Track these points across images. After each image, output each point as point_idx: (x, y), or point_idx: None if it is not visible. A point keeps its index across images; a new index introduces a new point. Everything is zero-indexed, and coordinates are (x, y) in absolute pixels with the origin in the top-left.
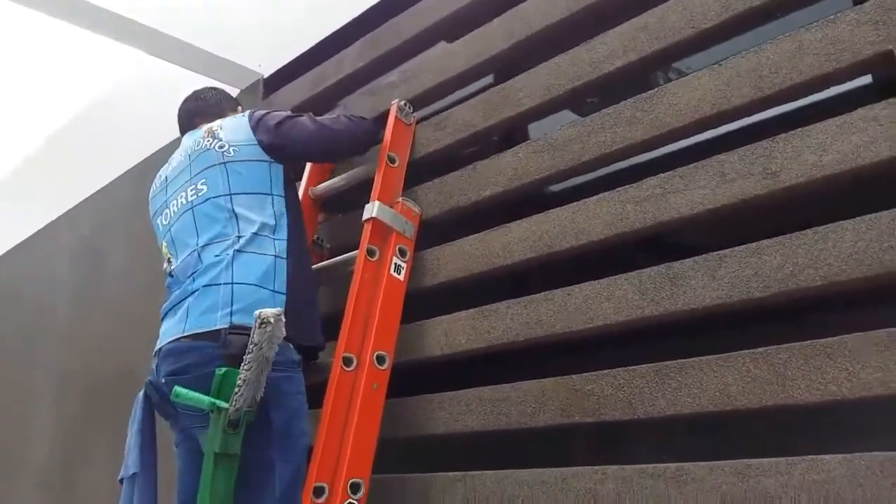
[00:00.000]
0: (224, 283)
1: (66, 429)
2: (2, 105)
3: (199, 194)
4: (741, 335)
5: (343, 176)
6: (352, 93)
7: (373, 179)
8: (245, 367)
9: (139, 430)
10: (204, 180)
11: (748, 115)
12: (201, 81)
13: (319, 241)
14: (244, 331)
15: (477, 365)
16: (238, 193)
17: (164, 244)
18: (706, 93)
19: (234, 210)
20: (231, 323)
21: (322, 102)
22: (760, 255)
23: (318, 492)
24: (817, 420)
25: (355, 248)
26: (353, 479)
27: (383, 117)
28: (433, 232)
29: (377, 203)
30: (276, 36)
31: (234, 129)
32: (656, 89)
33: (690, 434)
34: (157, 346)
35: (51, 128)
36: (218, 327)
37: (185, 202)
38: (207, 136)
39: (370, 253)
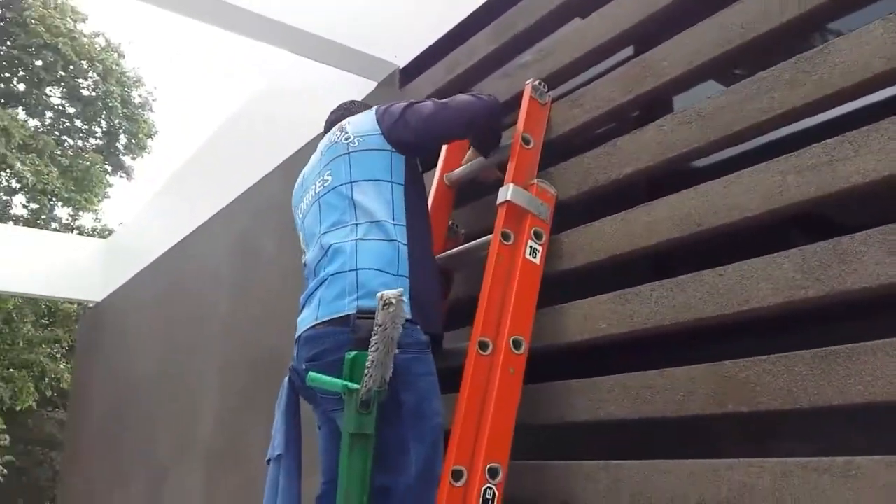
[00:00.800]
0: (349, 270)
1: (230, 409)
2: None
3: (325, 185)
4: None
5: (478, 160)
6: (485, 77)
7: (507, 162)
8: (372, 349)
9: (284, 414)
10: (330, 171)
11: None
12: (341, 76)
13: (455, 227)
14: (371, 315)
15: (619, 352)
16: (358, 181)
17: (301, 237)
18: (878, 47)
19: (352, 197)
20: (358, 307)
21: (456, 89)
22: None
23: (457, 475)
24: None
25: (490, 232)
26: (491, 464)
27: (517, 98)
28: (571, 214)
29: (511, 186)
30: (412, 26)
31: (360, 122)
32: (821, 46)
33: (856, 429)
34: (297, 334)
35: (209, 129)
36: (346, 313)
37: (314, 194)
38: (337, 132)
39: (505, 237)
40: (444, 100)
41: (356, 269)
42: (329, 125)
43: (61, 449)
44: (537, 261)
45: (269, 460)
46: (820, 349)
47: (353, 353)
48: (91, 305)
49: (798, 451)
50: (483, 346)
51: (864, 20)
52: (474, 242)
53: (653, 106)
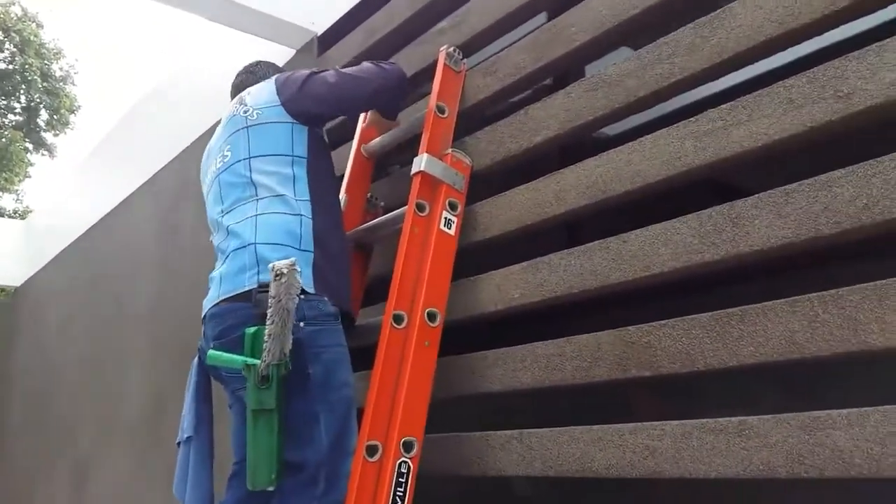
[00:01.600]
0: (249, 244)
1: (156, 392)
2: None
3: (225, 161)
4: (809, 278)
5: (392, 131)
6: (405, 45)
7: (422, 132)
8: (269, 322)
9: (193, 395)
10: (229, 146)
11: (819, 34)
12: (259, 43)
13: (373, 200)
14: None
15: (533, 320)
16: (257, 156)
17: (207, 211)
18: (772, 11)
19: (251, 175)
20: (259, 282)
21: (374, 57)
22: (831, 187)
23: (372, 450)
24: (892, 368)
25: (407, 203)
26: (406, 438)
27: (434, 66)
28: (486, 183)
29: (426, 156)
30: None
31: (259, 93)
32: (718, 11)
33: (758, 385)
34: (203, 313)
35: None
36: (247, 288)
37: (214, 171)
38: (237, 103)
39: (420, 208)
40: (349, 69)
41: (255, 244)
42: (235, 89)
43: None
44: (452, 232)
45: (178, 443)
46: (715, 312)
47: (252, 329)
48: (12, 290)
49: (705, 411)
50: (398, 319)
51: None
52: (390, 214)
53: (565, 74)
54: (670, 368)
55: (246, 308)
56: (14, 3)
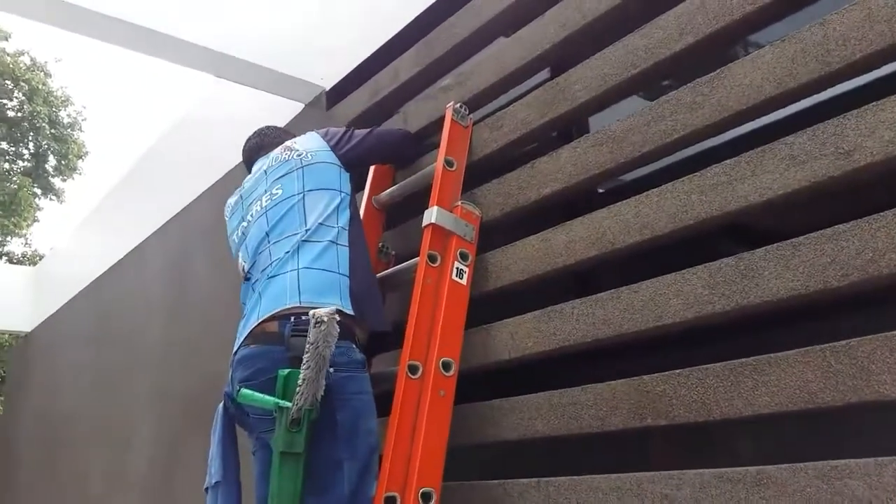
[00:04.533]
0: (291, 271)
1: (164, 439)
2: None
3: (273, 198)
4: (820, 328)
5: (403, 183)
6: (409, 100)
7: (432, 185)
8: (304, 367)
9: (220, 441)
10: (279, 186)
11: (816, 93)
12: (268, 98)
13: (385, 249)
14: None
15: (547, 368)
16: (311, 190)
17: (240, 254)
18: (770, 71)
19: (304, 205)
20: (300, 302)
21: (381, 111)
22: (837, 240)
23: (390, 502)
24: None
25: (419, 254)
26: (423, 489)
27: (440, 121)
28: (495, 234)
29: (436, 208)
30: (336, 48)
31: (307, 140)
32: (717, 71)
33: (772, 435)
34: (233, 354)
35: (140, 151)
36: (288, 306)
37: (259, 209)
38: (284, 151)
39: (431, 259)
40: (369, 129)
41: (297, 269)
42: (251, 151)
43: None
44: (464, 282)
45: (206, 489)
46: (729, 362)
47: (286, 371)
48: (22, 336)
49: (719, 460)
50: (413, 369)
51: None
52: (403, 265)
53: (569, 128)
54: (686, 417)
55: (279, 351)
56: (23, 54)
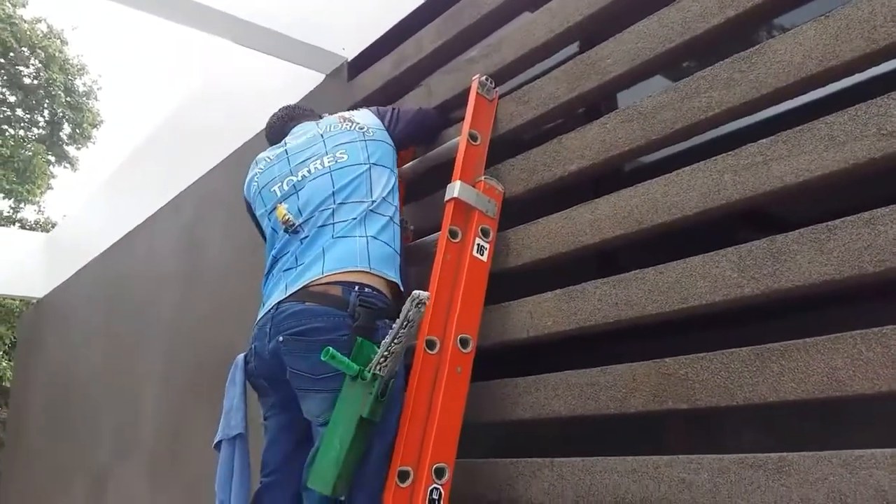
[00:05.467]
0: (360, 237)
1: (173, 407)
2: (108, 102)
3: (339, 161)
4: (852, 314)
5: (425, 156)
6: (433, 72)
7: (455, 158)
8: (395, 341)
9: (242, 393)
10: (344, 151)
11: (860, 71)
12: (287, 69)
13: (404, 223)
14: (372, 306)
15: (565, 348)
16: (374, 164)
17: (284, 205)
18: (812, 48)
19: (370, 176)
20: (370, 268)
21: (404, 83)
22: (874, 225)
23: (403, 476)
24: None
25: (439, 229)
26: (437, 464)
27: (465, 94)
28: (517, 210)
29: (459, 182)
30: (359, 18)
31: (365, 116)
32: (756, 47)
33: (796, 421)
34: (271, 306)
35: (155, 119)
36: (358, 268)
37: (321, 167)
38: (343, 121)
39: (452, 234)
40: (404, 107)
41: (366, 237)
42: (281, 122)
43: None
44: (484, 258)
45: (219, 442)
46: (755, 347)
47: (360, 340)
48: (34, 301)
49: (739, 446)
50: (430, 344)
51: (799, 19)
52: (424, 239)
53: (597, 103)
54: (708, 402)
55: (342, 316)
56: (40, 21)
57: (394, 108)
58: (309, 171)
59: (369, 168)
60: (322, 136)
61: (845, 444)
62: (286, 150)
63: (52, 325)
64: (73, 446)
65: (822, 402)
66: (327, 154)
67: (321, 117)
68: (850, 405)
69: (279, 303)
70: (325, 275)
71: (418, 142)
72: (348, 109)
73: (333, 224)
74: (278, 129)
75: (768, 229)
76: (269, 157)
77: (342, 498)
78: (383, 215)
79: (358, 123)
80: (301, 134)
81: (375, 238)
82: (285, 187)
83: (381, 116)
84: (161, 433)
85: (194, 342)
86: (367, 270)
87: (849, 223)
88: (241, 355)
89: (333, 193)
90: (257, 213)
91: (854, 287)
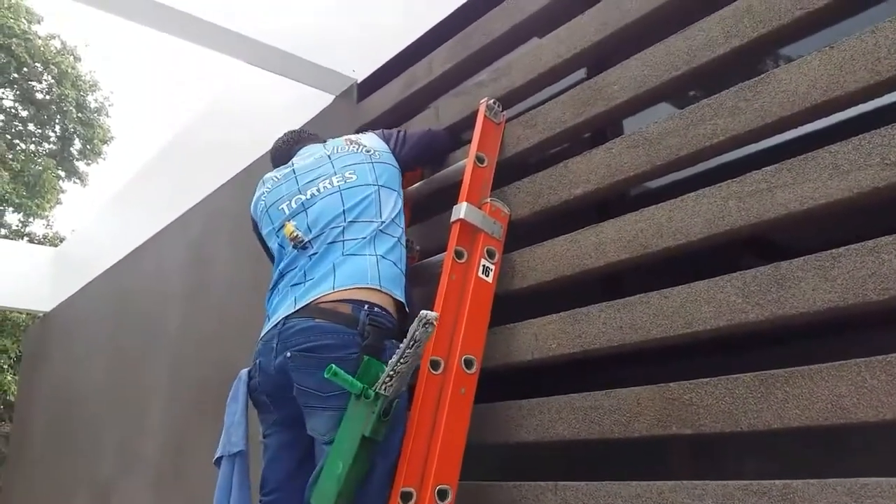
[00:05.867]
0: (370, 255)
1: (177, 423)
2: (119, 119)
3: (348, 181)
4: (856, 342)
5: (432, 178)
6: (442, 94)
7: (461, 180)
8: (402, 361)
9: (244, 409)
10: (352, 171)
11: (863, 102)
12: (297, 89)
13: (409, 244)
14: (381, 325)
15: (569, 371)
16: (382, 186)
17: (292, 224)
18: (817, 78)
19: (380, 197)
20: (380, 286)
21: (413, 105)
22: (878, 253)
23: (406, 497)
24: None
25: (445, 250)
26: (440, 486)
27: (472, 117)
28: (523, 233)
29: (465, 204)
30: (370, 41)
31: (370, 140)
32: (762, 76)
33: (800, 449)
34: (276, 322)
35: (165, 137)
36: (369, 286)
37: (330, 186)
38: (350, 143)
39: (458, 255)
40: (411, 129)
41: (376, 256)
42: (286, 145)
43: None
44: (490, 279)
45: (219, 458)
46: (760, 372)
47: (367, 358)
48: (40, 315)
49: (743, 472)
50: (434, 364)
51: (804, 50)
52: (430, 259)
53: (603, 129)
54: (712, 427)
55: (351, 335)
56: (54, 38)
57: (399, 131)
58: (318, 190)
59: (378, 189)
60: (329, 157)
61: (848, 471)
62: (294, 170)
63: (58, 340)
64: (77, 460)
65: (826, 430)
66: (336, 174)
67: (326, 141)
68: (855, 433)
69: (287, 318)
70: (335, 290)
71: (425, 163)
72: (356, 132)
73: (343, 241)
74: (284, 151)
75: (773, 258)
76: (276, 177)
77: None
78: (392, 236)
79: (364, 146)
80: (308, 155)
81: (384, 258)
82: (294, 205)
83: (386, 139)
84: (165, 448)
85: (199, 358)
86: (378, 288)
87: (853, 251)
88: (245, 370)
89: (344, 212)
90: (264, 232)
91: (858, 315)
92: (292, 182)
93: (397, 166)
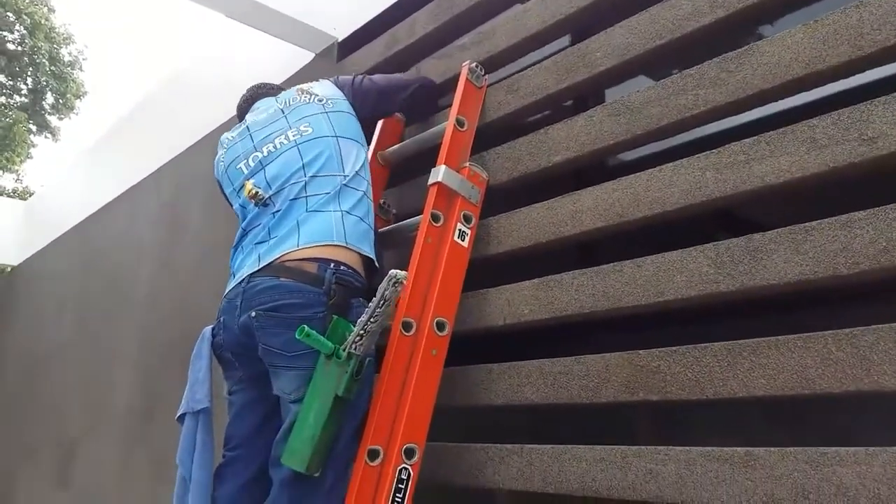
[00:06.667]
0: (335, 211)
1: (145, 382)
2: (92, 73)
3: (304, 135)
4: (824, 315)
5: (411, 139)
6: (424, 56)
7: (440, 143)
8: (371, 320)
9: (208, 367)
10: (307, 124)
11: (845, 77)
12: (276, 46)
13: (386, 206)
14: (347, 284)
15: (540, 337)
16: (341, 137)
17: (251, 182)
18: (800, 51)
19: (340, 150)
20: (346, 242)
21: (394, 66)
22: (851, 228)
23: (373, 455)
24: None
25: (421, 213)
26: (407, 445)
27: (454, 80)
28: (501, 198)
29: (444, 167)
30: None
31: (324, 88)
32: (745, 48)
33: (763, 419)
34: (244, 275)
35: (136, 95)
36: (334, 243)
37: (286, 141)
38: (301, 94)
39: (434, 218)
40: (390, 75)
41: (341, 211)
42: (249, 99)
43: None
44: (465, 244)
45: (183, 415)
46: (727, 342)
47: (336, 318)
48: (7, 269)
49: (707, 441)
50: (406, 326)
51: (789, 24)
52: (405, 222)
53: (586, 97)
54: (678, 395)
55: (316, 294)
56: None
57: (356, 77)
58: (275, 147)
59: (336, 140)
60: (282, 110)
61: (811, 443)
62: (248, 128)
63: (26, 293)
64: (42, 417)
65: (790, 400)
66: (291, 128)
67: (279, 94)
68: (818, 405)
69: (251, 275)
70: (300, 248)
71: (396, 105)
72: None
73: (307, 198)
74: (244, 108)
75: (749, 230)
76: (231, 137)
77: (316, 474)
78: (357, 190)
79: (317, 95)
80: (262, 110)
81: (349, 213)
82: (251, 164)
83: (340, 86)
84: (132, 407)
85: (170, 317)
86: (343, 245)
87: (826, 225)
88: (209, 328)
89: (304, 166)
90: (226, 192)
91: (828, 288)
92: (247, 140)
93: (353, 113)
